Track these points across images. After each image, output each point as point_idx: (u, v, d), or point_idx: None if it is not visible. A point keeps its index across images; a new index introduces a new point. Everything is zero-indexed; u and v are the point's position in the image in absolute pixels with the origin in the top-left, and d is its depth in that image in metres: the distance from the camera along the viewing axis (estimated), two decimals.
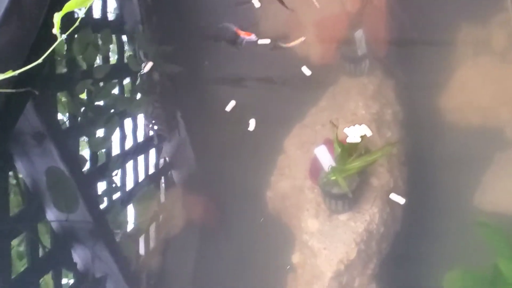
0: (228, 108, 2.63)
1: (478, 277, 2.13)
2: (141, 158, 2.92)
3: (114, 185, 2.77)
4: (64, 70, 2.86)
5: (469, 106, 2.58)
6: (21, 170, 2.60)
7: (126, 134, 2.88)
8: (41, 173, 2.55)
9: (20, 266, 2.64)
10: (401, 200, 2.23)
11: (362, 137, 2.08)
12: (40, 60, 1.54)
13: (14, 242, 2.65)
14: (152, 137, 2.95)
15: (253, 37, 2.75)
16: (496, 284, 2.08)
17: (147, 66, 2.88)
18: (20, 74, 2.28)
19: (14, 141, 2.56)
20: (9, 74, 1.51)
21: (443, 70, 2.64)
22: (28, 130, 2.57)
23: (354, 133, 2.07)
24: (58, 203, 2.31)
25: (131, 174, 2.85)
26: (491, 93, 2.60)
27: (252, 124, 2.54)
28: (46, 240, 2.60)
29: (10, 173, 2.61)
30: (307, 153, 2.39)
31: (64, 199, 2.32)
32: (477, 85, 2.62)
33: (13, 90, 1.93)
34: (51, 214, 2.51)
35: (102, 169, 2.76)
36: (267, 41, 2.73)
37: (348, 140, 2.08)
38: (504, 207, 2.33)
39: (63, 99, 2.91)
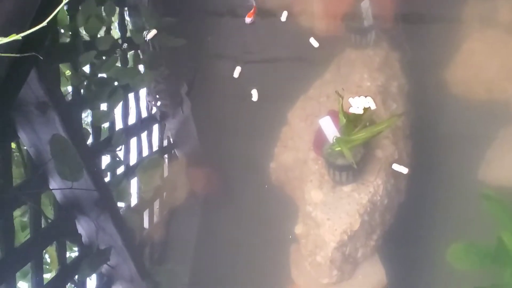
0: (236, 74, 2.62)
1: (482, 250, 2.13)
2: (144, 134, 2.91)
3: (117, 159, 2.77)
4: (67, 40, 2.84)
5: (475, 80, 2.56)
6: (25, 140, 2.59)
7: (130, 108, 2.86)
8: (44, 143, 2.54)
9: (22, 237, 2.65)
10: (404, 170, 2.22)
11: (365, 109, 2.05)
12: (45, 23, 1.52)
13: (17, 212, 2.65)
14: (155, 112, 2.94)
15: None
16: (499, 257, 2.08)
17: (151, 34, 2.86)
18: (23, 42, 2.27)
19: (17, 110, 2.55)
20: (13, 37, 1.50)
21: (449, 43, 2.61)
22: (31, 99, 2.55)
23: (358, 104, 2.05)
24: (62, 170, 2.29)
25: (134, 149, 2.84)
26: (497, 67, 2.57)
27: (254, 94, 2.52)
28: (50, 212, 2.60)
29: (13, 144, 2.61)
30: (311, 125, 2.38)
31: (68, 167, 2.30)
32: (483, 59, 2.60)
33: (18, 55, 1.90)
34: (55, 184, 2.50)
35: (106, 143, 2.75)
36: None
37: (351, 111, 2.06)
38: (508, 181, 2.32)
39: (67, 72, 2.89)
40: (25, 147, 2.60)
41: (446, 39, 2.63)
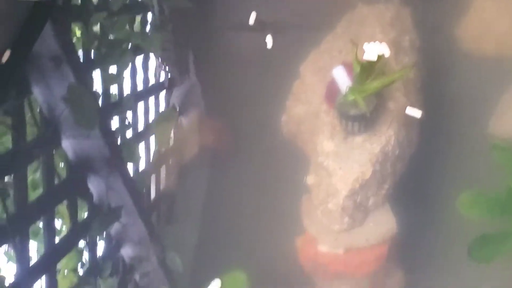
0: (251, 21, 2.63)
1: (491, 199, 2.16)
2: (152, 100, 2.93)
3: (127, 123, 2.79)
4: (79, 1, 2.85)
5: (485, 36, 2.58)
6: (38, 96, 2.62)
7: (138, 71, 2.87)
8: (58, 98, 2.56)
9: (34, 196, 2.68)
10: (417, 113, 2.23)
11: (379, 56, 2.06)
12: None
13: (30, 171, 2.68)
14: (163, 79, 2.96)
15: None
16: (508, 205, 2.11)
17: None
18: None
19: (31, 63, 2.57)
20: None
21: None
22: (45, 53, 2.58)
23: (373, 50, 2.05)
24: (79, 118, 2.32)
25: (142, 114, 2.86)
26: (507, 24, 2.59)
27: (269, 41, 2.53)
28: (62, 171, 2.64)
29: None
30: (323, 79, 2.39)
31: (84, 115, 2.33)
32: (493, 16, 2.61)
33: None
34: (67, 141, 2.53)
35: (115, 105, 2.77)
36: None
37: (365, 57, 2.07)
38: None
39: (77, 32, 2.90)
40: (38, 106, 2.63)
41: None
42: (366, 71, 2.07)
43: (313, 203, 2.26)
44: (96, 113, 2.33)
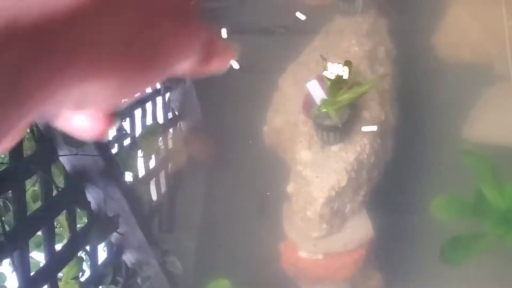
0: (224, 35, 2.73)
1: (463, 202, 2.26)
2: (149, 106, 3.03)
3: (124, 132, 2.89)
4: None
5: (460, 44, 2.67)
6: None
7: None
8: None
9: (34, 207, 2.79)
10: (372, 128, 2.31)
11: (337, 76, 2.13)
12: None
13: (28, 184, 2.79)
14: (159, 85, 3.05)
15: None
16: (480, 207, 2.20)
17: None
18: None
19: None
20: None
21: (435, 8, 2.71)
22: None
23: (333, 70, 2.14)
24: (68, 137, 2.43)
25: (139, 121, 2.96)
26: (480, 30, 2.67)
27: (234, 64, 2.63)
28: (60, 182, 2.74)
29: None
30: (301, 90, 2.48)
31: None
32: (467, 23, 2.70)
33: None
34: (62, 153, 2.64)
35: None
36: None
37: (324, 74, 2.16)
38: (491, 139, 2.44)
39: None
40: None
41: (432, 5, 2.73)
42: (337, 84, 2.16)
43: (293, 210, 2.36)
44: None
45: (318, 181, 2.24)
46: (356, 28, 2.61)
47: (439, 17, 2.71)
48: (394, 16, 2.72)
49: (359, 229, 2.31)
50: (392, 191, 2.40)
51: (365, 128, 2.28)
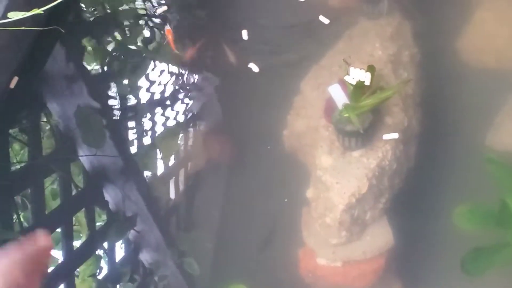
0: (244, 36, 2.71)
1: (486, 212, 2.21)
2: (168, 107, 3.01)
3: (144, 131, 2.89)
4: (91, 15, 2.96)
5: (485, 49, 2.61)
6: (53, 111, 2.74)
7: (153, 82, 2.96)
8: (70, 115, 2.68)
9: (54, 205, 2.80)
10: (394, 136, 2.27)
11: (359, 82, 2.10)
12: None
13: (48, 182, 2.80)
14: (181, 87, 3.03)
15: None
16: (503, 218, 2.15)
17: (160, 9, 2.95)
18: (48, 18, 2.40)
19: (44, 82, 2.69)
20: (35, 11, 1.62)
21: (461, 12, 2.66)
22: (57, 72, 2.70)
23: (354, 75, 2.11)
24: (87, 138, 2.44)
25: (159, 121, 2.95)
26: (507, 36, 2.62)
27: (254, 67, 2.61)
28: (79, 181, 2.75)
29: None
30: (322, 94, 2.45)
31: (92, 135, 2.45)
32: (493, 28, 2.64)
33: (40, 28, 2.03)
34: (82, 152, 2.65)
35: (131, 113, 2.87)
36: None
37: (346, 79, 2.13)
38: None
39: (89, 47, 3.01)
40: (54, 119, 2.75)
41: (458, 8, 2.67)
42: (359, 89, 2.12)
43: (312, 216, 2.33)
44: (102, 133, 2.44)
45: (338, 187, 2.21)
46: (380, 31, 2.57)
47: (465, 20, 2.65)
48: (419, 19, 2.66)
49: (379, 237, 2.27)
50: (414, 198, 2.36)
51: (386, 136, 2.24)
